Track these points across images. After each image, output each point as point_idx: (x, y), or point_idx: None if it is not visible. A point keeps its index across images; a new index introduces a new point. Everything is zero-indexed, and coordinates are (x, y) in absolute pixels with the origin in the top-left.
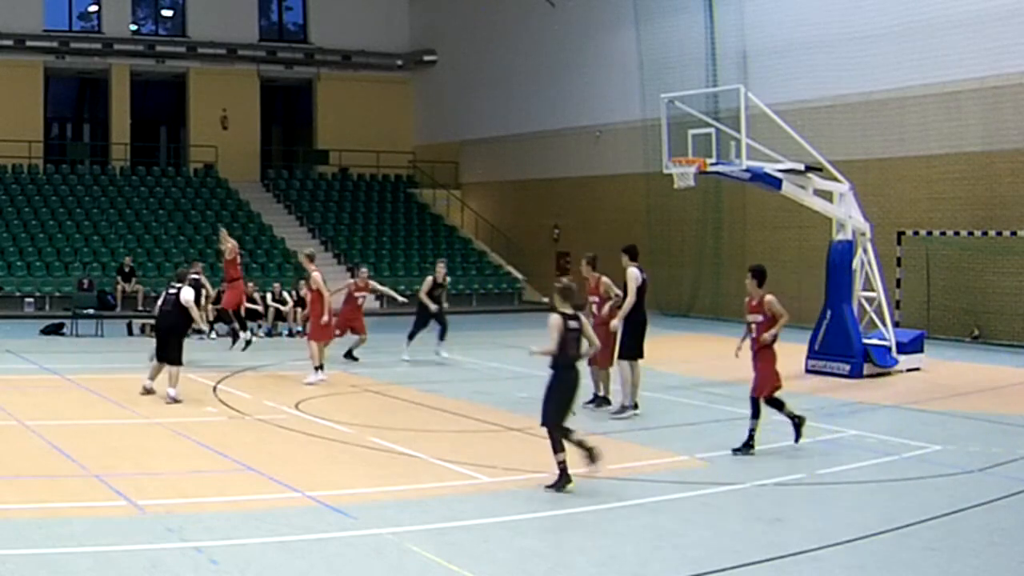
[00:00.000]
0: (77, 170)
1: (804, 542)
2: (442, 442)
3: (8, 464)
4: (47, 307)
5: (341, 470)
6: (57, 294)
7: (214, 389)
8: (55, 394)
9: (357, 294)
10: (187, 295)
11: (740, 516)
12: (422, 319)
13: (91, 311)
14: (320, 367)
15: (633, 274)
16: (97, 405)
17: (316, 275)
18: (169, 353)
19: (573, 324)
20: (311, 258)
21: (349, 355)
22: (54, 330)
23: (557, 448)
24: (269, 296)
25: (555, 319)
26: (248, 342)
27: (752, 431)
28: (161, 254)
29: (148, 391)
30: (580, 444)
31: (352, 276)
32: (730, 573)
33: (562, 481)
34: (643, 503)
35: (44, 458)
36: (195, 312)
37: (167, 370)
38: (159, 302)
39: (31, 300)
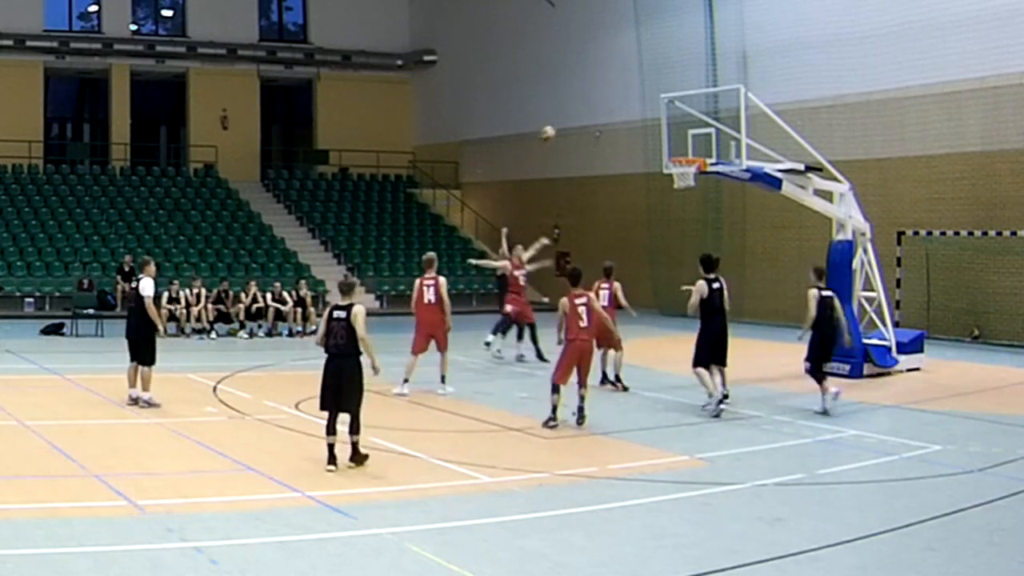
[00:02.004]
0: (77, 170)
1: (804, 542)
2: (442, 442)
3: (8, 464)
4: (47, 307)
5: (341, 470)
6: (57, 294)
7: (214, 389)
8: (55, 394)
9: (517, 272)
10: (146, 289)
11: (740, 516)
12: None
13: (91, 311)
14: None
15: (697, 286)
16: (97, 405)
17: (442, 280)
18: (141, 352)
19: (339, 314)
20: (431, 264)
21: (539, 355)
22: (54, 330)
23: (328, 431)
24: (269, 296)
25: (327, 311)
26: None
27: (554, 406)
28: (161, 254)
29: (135, 400)
30: (329, 447)
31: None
32: (730, 573)
33: (331, 458)
34: (643, 503)
35: (44, 458)
36: (152, 311)
37: (140, 372)
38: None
39: (31, 300)
